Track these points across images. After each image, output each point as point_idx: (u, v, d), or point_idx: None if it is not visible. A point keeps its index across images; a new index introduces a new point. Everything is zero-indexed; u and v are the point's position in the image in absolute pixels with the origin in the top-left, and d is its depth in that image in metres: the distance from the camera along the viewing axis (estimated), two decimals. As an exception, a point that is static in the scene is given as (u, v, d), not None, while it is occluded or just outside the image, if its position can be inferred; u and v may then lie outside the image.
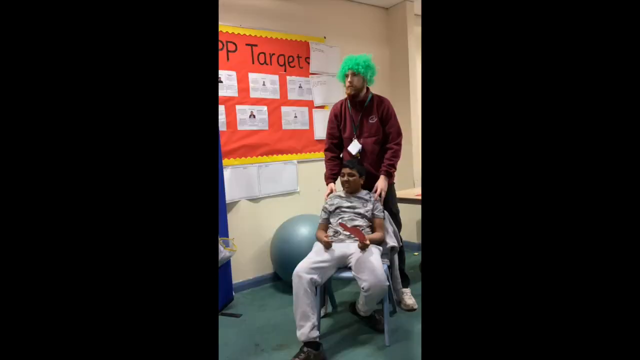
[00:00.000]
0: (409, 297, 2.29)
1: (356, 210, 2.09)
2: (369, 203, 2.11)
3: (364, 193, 2.16)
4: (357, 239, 1.92)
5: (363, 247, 1.86)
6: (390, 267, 2.19)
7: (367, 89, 2.28)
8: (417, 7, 3.53)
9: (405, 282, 2.37)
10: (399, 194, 2.85)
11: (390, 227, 2.19)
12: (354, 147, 2.26)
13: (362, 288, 1.76)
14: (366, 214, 2.09)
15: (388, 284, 1.80)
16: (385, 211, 2.19)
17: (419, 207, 3.50)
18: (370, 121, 2.25)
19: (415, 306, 2.26)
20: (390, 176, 2.23)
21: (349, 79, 2.18)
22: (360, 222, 2.07)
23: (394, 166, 2.24)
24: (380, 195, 2.15)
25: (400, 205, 2.48)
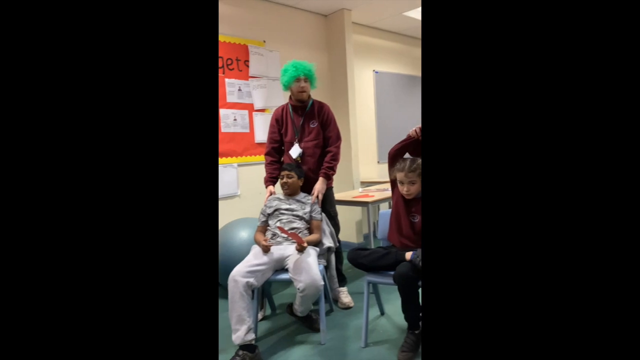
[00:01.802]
0: (346, 296, 2.38)
1: (294, 213, 2.13)
2: (307, 205, 2.17)
3: (302, 196, 2.21)
4: (294, 241, 1.96)
5: (300, 250, 1.91)
6: (327, 267, 2.26)
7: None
8: (354, 16, 3.67)
9: (342, 282, 2.45)
10: (339, 195, 2.94)
11: (327, 228, 2.26)
12: (295, 151, 2.31)
13: (298, 289, 1.81)
14: (304, 216, 2.14)
15: (323, 283, 1.86)
16: (322, 213, 2.25)
17: (358, 209, 3.62)
18: (311, 125, 2.31)
19: (352, 304, 2.34)
20: (328, 178, 2.30)
21: (301, 85, 2.23)
22: (298, 224, 2.11)
23: (332, 169, 2.31)
24: (317, 197, 2.21)
25: (341, 207, 2.56)
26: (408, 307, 1.75)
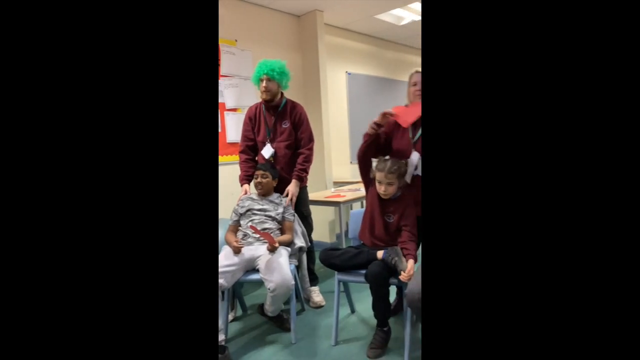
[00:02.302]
0: (317, 295, 2.39)
1: (267, 213, 2.13)
2: (280, 206, 2.17)
3: (275, 196, 2.21)
4: (266, 241, 1.96)
5: (272, 250, 1.91)
6: (299, 267, 2.27)
7: (282, 94, 2.33)
8: (327, 17, 3.69)
9: (314, 281, 2.46)
10: (312, 195, 2.95)
11: (299, 228, 2.27)
12: (267, 151, 2.30)
13: (269, 289, 1.81)
14: (277, 216, 2.14)
15: (294, 283, 1.87)
16: (298, 210, 2.26)
17: (331, 209, 3.65)
18: (284, 126, 2.30)
19: (323, 303, 2.36)
20: (301, 180, 2.31)
21: (264, 84, 2.22)
22: (270, 224, 2.11)
23: (305, 171, 2.32)
24: (291, 200, 2.22)
25: (314, 207, 2.58)
26: (378, 305, 1.78)
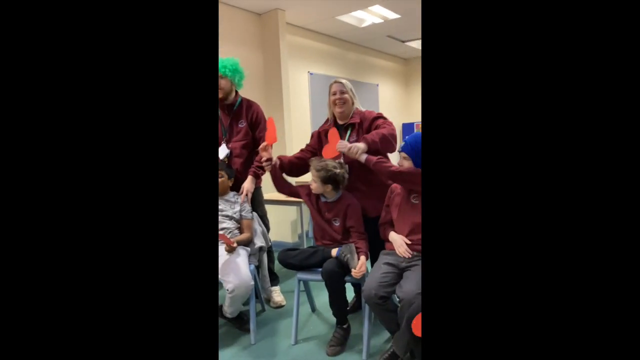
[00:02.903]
0: (278, 295, 2.38)
1: (224, 213, 2.09)
2: (236, 204, 2.14)
3: (231, 195, 2.18)
4: (223, 242, 1.93)
5: (230, 250, 1.88)
6: (259, 267, 2.25)
7: (236, 92, 2.29)
8: (288, 16, 3.69)
9: (274, 281, 2.45)
10: (274, 195, 2.93)
11: (259, 227, 2.25)
12: (222, 152, 2.25)
13: (227, 290, 1.78)
14: (234, 215, 2.11)
15: (253, 283, 1.85)
16: (254, 212, 2.24)
17: (293, 208, 3.64)
18: (240, 125, 2.27)
19: (284, 303, 2.35)
20: (257, 177, 2.28)
21: None
22: (228, 224, 2.08)
23: (262, 169, 2.29)
24: (247, 195, 2.19)
25: (276, 207, 2.56)
26: (335, 302, 1.80)
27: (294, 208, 3.64)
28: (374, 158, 1.72)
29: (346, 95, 1.94)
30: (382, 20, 4.04)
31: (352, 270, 1.69)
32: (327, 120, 2.07)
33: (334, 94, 1.96)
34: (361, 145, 1.75)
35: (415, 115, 6.02)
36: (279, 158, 2.01)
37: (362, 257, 1.74)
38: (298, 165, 2.04)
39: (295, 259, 1.86)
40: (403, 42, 4.98)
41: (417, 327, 1.20)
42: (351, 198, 1.89)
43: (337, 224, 1.89)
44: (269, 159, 1.93)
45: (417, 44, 5.18)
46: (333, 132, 1.89)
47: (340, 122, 2.00)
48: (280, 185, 2.01)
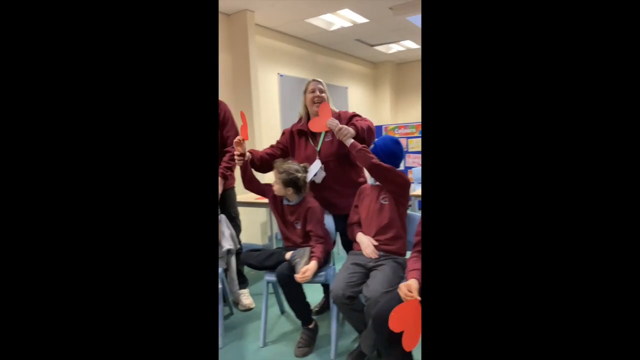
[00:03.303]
0: (246, 298, 2.36)
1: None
2: (204, 207, 2.11)
3: (198, 197, 2.15)
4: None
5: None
6: (227, 270, 2.23)
7: None
8: (257, 17, 3.67)
9: (243, 283, 2.43)
10: (243, 197, 2.91)
11: (227, 230, 2.22)
12: None
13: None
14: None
15: (221, 286, 1.83)
16: (222, 214, 2.21)
17: (263, 210, 3.62)
18: None
19: (252, 305, 2.34)
20: (225, 179, 2.26)
21: None
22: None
23: (231, 169, 2.27)
24: None
25: (245, 209, 2.54)
26: (293, 304, 1.82)
27: (264, 210, 3.62)
28: (359, 145, 1.71)
29: (324, 95, 1.95)
30: (351, 24, 4.10)
31: (295, 275, 1.67)
32: (300, 119, 2.06)
33: (313, 91, 1.95)
34: (351, 130, 1.74)
35: (383, 118, 6.13)
36: (251, 152, 1.97)
37: (312, 263, 1.71)
38: (268, 161, 2.01)
39: (254, 260, 1.88)
40: (372, 46, 5.07)
41: (394, 324, 1.23)
42: (313, 202, 1.89)
43: (298, 227, 1.90)
44: (242, 154, 1.88)
45: (385, 48, 5.28)
46: (325, 107, 1.84)
47: None
48: (249, 183, 1.97)
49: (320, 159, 1.94)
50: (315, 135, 1.99)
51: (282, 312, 2.27)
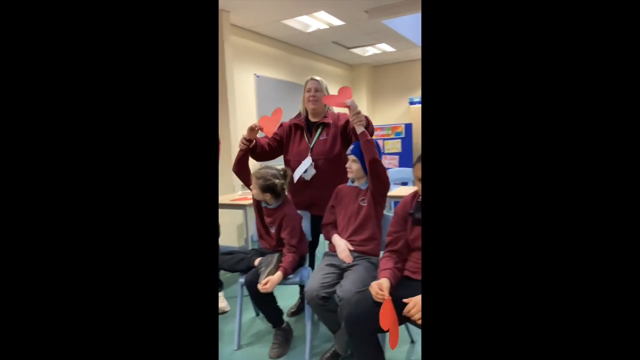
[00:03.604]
0: (221, 301, 2.34)
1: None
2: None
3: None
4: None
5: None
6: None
7: None
8: (233, 18, 3.65)
9: (219, 287, 2.40)
10: (219, 199, 2.88)
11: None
12: None
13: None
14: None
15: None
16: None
17: (240, 212, 3.59)
18: None
19: (227, 308, 2.32)
20: None
21: None
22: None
23: None
24: None
25: (221, 211, 2.51)
26: (263, 309, 1.83)
27: (240, 212, 3.59)
28: (369, 135, 1.69)
29: (319, 94, 1.95)
30: (327, 27, 4.12)
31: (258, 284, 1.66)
32: (299, 114, 2.07)
33: (309, 90, 1.96)
34: (364, 118, 1.73)
35: (360, 119, 6.18)
36: (256, 140, 1.94)
37: (277, 274, 1.69)
38: (267, 152, 2.00)
39: (225, 263, 1.87)
40: (348, 48, 5.11)
41: (384, 322, 1.24)
42: (290, 209, 1.87)
43: (273, 230, 1.89)
44: (250, 140, 1.87)
45: (361, 51, 5.34)
46: (346, 89, 1.82)
47: (312, 119, 2.00)
48: (241, 169, 1.94)
49: (311, 156, 1.93)
50: (310, 132, 1.98)
51: (257, 314, 2.25)
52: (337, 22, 3.98)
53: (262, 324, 2.14)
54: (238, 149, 1.92)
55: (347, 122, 1.93)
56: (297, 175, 1.94)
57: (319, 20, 3.97)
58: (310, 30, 4.22)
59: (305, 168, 1.93)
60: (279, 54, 4.64)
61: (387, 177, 1.72)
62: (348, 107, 1.74)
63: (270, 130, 1.91)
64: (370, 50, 5.36)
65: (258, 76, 4.28)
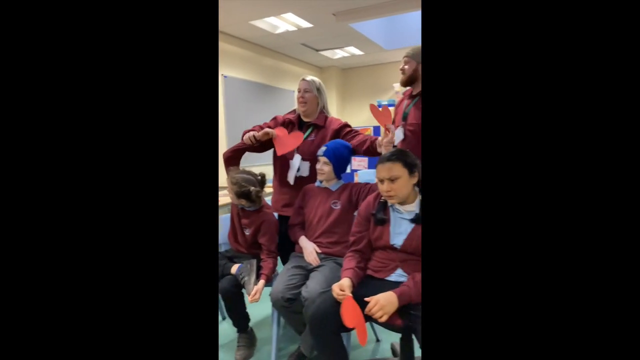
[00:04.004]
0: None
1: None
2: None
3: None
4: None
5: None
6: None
7: None
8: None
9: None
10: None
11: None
12: None
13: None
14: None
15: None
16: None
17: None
18: None
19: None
20: None
21: None
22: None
23: None
24: None
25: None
26: (233, 315, 1.80)
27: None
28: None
29: (308, 95, 1.91)
30: (296, 29, 4.13)
31: (247, 295, 1.64)
32: (294, 110, 2.04)
33: (299, 91, 1.93)
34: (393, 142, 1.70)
35: (330, 121, 6.23)
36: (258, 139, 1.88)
37: (261, 282, 1.68)
38: (258, 147, 1.94)
39: None
40: (317, 51, 5.14)
41: (347, 320, 1.25)
42: (269, 214, 1.84)
43: (247, 233, 1.86)
44: (258, 141, 1.83)
45: (331, 54, 5.38)
46: (386, 111, 1.73)
47: (304, 119, 1.98)
48: (232, 158, 1.89)
49: (299, 153, 1.90)
50: (301, 130, 1.95)
51: (224, 317, 2.23)
52: (305, 24, 4.00)
53: (228, 327, 2.11)
54: (240, 140, 1.87)
55: (340, 127, 1.94)
56: (291, 177, 1.90)
57: (287, 22, 3.97)
58: (278, 31, 4.22)
59: (297, 166, 1.90)
60: (247, 55, 4.60)
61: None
62: (387, 130, 1.69)
63: (282, 149, 1.84)
64: (339, 53, 5.41)
65: (226, 77, 4.23)
